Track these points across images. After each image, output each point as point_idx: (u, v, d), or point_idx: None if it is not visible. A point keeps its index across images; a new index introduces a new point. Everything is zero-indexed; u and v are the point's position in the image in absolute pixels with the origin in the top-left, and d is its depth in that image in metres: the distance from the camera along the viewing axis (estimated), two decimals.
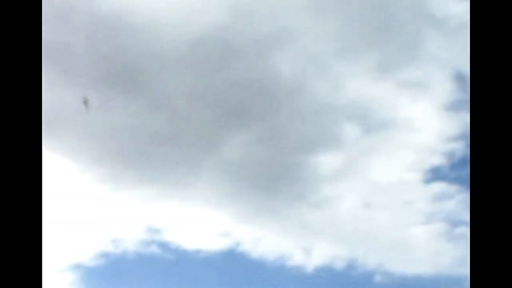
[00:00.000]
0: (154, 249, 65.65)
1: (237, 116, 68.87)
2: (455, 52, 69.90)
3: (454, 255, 62.50)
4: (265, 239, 65.61)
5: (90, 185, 66.28)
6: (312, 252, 64.59)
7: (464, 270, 61.36)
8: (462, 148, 66.50)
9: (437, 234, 63.78)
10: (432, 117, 68.36)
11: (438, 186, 65.80)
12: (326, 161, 68.42)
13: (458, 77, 68.50)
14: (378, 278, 62.35)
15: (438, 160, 66.62)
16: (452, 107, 68.06)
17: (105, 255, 64.73)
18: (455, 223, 63.82)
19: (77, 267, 63.79)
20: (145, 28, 65.53)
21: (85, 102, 51.92)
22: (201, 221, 66.22)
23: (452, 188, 65.37)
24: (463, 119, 67.42)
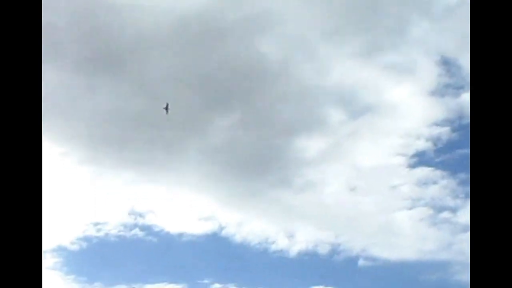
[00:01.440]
0: (137, 232, 65.32)
1: (222, 99, 68.31)
2: (441, 37, 69.89)
3: (438, 240, 62.89)
4: (249, 223, 65.57)
5: (72, 168, 65.62)
6: (296, 237, 64.64)
7: (447, 255, 61.89)
8: (447, 133, 66.70)
9: (421, 219, 64.07)
10: (417, 101, 68.42)
11: (423, 171, 66.05)
12: (311, 145, 68.32)
13: (444, 62, 68.55)
14: (361, 263, 62.69)
15: (423, 145, 66.80)
16: (438, 92, 68.14)
17: (87, 238, 64.33)
18: (439, 209, 64.18)
19: (59, 250, 63.41)
20: (129, 10, 64.51)
21: (166, 107, 54.55)
22: (185, 204, 65.97)
23: (437, 173, 65.65)
24: (449, 104, 67.58)
